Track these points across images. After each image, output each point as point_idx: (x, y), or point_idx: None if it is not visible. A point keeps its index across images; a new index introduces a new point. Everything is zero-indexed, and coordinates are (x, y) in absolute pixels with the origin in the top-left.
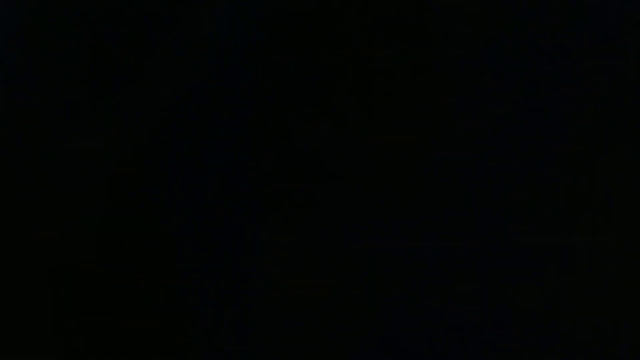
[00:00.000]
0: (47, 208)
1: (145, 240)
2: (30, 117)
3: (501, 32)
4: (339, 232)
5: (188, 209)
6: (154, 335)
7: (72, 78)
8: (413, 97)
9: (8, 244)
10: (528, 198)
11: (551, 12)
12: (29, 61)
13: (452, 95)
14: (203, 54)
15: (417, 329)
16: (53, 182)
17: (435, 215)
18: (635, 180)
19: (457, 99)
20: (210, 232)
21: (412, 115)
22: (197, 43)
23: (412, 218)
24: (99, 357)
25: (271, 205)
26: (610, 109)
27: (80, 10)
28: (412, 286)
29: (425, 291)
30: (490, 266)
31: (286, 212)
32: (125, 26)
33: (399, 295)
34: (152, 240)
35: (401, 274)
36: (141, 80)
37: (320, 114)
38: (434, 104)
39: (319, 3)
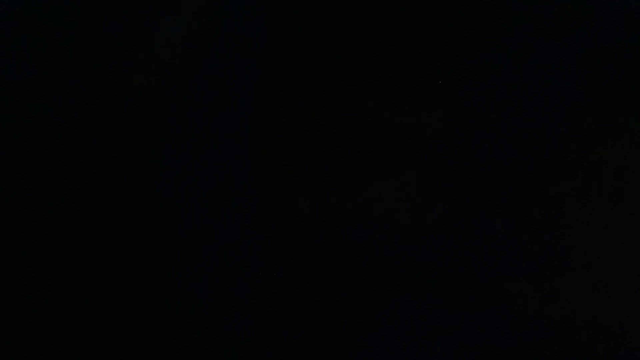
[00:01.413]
0: (41, 203)
1: (140, 228)
2: (19, 107)
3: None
4: (335, 213)
5: (185, 187)
6: (151, 331)
7: (62, 65)
8: (414, 68)
9: (6, 241)
10: (531, 191)
11: (554, 9)
12: (18, 51)
13: (454, 79)
14: (200, 22)
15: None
16: (50, 175)
17: (432, 192)
18: (634, 176)
19: (460, 83)
20: (206, 216)
21: (412, 85)
22: (192, 13)
23: (410, 194)
24: (97, 355)
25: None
26: (611, 105)
27: None
28: (408, 264)
29: (425, 261)
30: (487, 253)
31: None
32: (118, 12)
33: (397, 276)
34: (147, 229)
35: (396, 253)
36: (133, 58)
37: (316, 83)
38: (435, 77)
39: None
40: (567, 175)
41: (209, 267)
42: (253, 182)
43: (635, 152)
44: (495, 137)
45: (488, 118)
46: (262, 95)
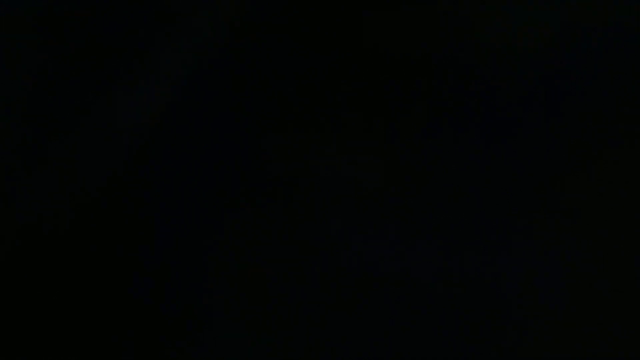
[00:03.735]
0: (43, 209)
1: (135, 239)
2: (24, 117)
3: (506, 34)
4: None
5: (178, 214)
6: (150, 331)
7: (68, 77)
8: (415, 100)
9: (8, 244)
10: (533, 209)
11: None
12: (18, 50)
13: (450, 99)
14: (201, 56)
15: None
16: (49, 175)
17: (431, 194)
18: (633, 181)
19: (456, 103)
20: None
21: (414, 123)
22: (194, 45)
23: (413, 232)
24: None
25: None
26: (610, 109)
27: (79, 7)
28: (407, 302)
29: (423, 311)
30: (494, 281)
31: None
32: (121, 27)
33: (391, 313)
34: (142, 242)
35: (394, 289)
36: (133, 59)
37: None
38: (433, 108)
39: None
40: (567, 179)
41: (208, 267)
42: (253, 182)
43: (636, 152)
44: (494, 142)
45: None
46: (262, 94)
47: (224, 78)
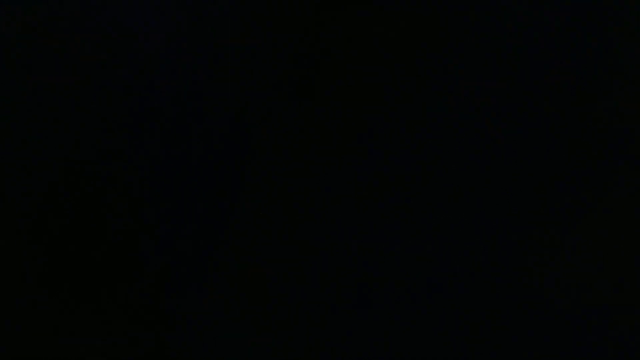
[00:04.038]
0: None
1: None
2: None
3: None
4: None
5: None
6: (148, 331)
7: (68, 76)
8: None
9: (8, 243)
10: (534, 209)
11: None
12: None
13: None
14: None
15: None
16: (48, 171)
17: (430, 193)
18: (633, 182)
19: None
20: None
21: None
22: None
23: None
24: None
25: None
26: (610, 109)
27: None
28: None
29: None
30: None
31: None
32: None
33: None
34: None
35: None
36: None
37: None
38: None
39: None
40: (567, 179)
41: (208, 267)
42: (252, 182)
43: (636, 153)
44: (495, 142)
45: (483, 117)
46: (262, 93)
47: (223, 77)
